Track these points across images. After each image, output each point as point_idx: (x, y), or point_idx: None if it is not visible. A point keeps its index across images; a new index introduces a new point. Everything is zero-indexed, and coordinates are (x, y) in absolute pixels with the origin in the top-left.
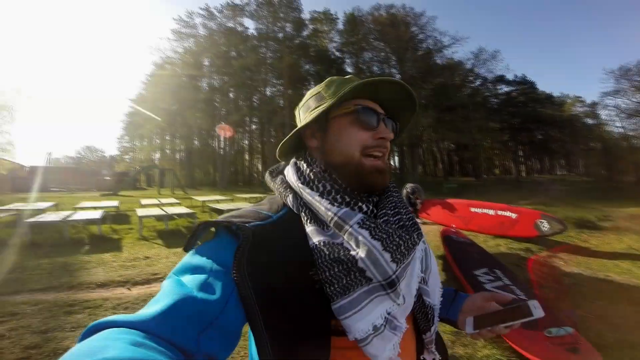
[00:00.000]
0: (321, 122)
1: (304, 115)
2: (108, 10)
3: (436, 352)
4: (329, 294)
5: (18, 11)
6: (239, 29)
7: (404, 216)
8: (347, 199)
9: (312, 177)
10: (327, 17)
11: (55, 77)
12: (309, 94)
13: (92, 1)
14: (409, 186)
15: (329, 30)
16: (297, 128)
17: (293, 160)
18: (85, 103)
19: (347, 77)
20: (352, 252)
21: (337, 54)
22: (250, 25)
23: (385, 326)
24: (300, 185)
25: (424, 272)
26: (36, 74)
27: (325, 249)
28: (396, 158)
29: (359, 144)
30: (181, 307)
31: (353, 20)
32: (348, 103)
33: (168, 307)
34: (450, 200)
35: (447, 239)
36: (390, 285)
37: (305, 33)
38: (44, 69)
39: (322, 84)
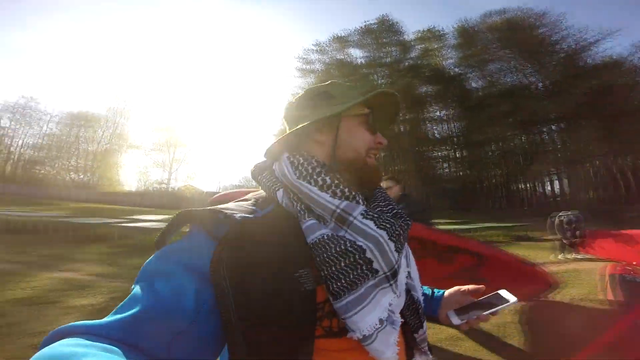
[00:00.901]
0: (334, 119)
1: (306, 111)
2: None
3: (429, 352)
4: (334, 291)
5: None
6: (348, 59)
7: (395, 207)
8: (347, 193)
9: (311, 171)
10: (434, 35)
11: (218, 115)
12: (308, 92)
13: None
14: (563, 215)
15: (439, 48)
16: (309, 122)
17: (286, 155)
18: (242, 137)
19: (347, 82)
20: (359, 243)
21: (457, 70)
22: (359, 55)
23: (386, 320)
24: (296, 179)
25: (408, 267)
26: (206, 113)
27: (330, 242)
28: (555, 182)
29: (366, 144)
30: (151, 314)
31: (465, 32)
32: (357, 106)
33: (137, 313)
34: (629, 232)
35: (617, 279)
36: (393, 275)
37: (413, 54)
38: (213, 110)
39: (325, 85)
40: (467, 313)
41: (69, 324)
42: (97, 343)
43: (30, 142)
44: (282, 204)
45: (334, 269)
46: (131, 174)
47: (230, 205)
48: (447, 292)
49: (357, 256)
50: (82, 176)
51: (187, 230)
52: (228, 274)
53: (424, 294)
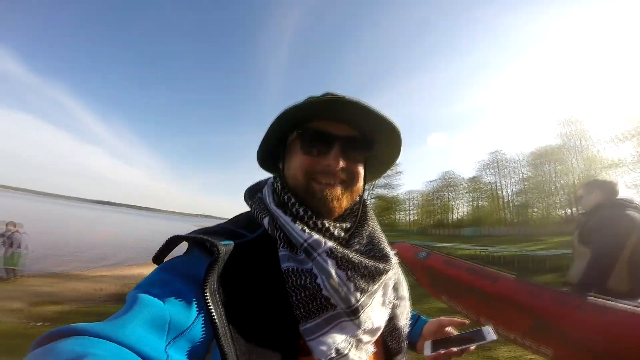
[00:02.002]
0: (281, 146)
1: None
2: None
3: None
4: (297, 316)
5: None
6: None
7: (376, 246)
8: (319, 225)
9: (286, 200)
10: None
11: None
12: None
13: None
14: None
15: None
16: (257, 152)
17: (271, 180)
18: None
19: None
20: (318, 280)
21: None
22: None
23: (350, 349)
24: (274, 207)
25: (395, 298)
26: None
27: (293, 275)
28: None
29: (302, 169)
30: (148, 318)
31: None
32: (304, 127)
33: (135, 317)
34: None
35: None
36: (353, 312)
37: None
38: None
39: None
40: (442, 345)
41: (66, 325)
42: (103, 345)
43: (514, 190)
44: (268, 230)
45: (295, 298)
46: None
47: (219, 228)
48: (429, 322)
49: (314, 291)
50: (568, 210)
51: (187, 247)
52: (219, 289)
53: (411, 319)
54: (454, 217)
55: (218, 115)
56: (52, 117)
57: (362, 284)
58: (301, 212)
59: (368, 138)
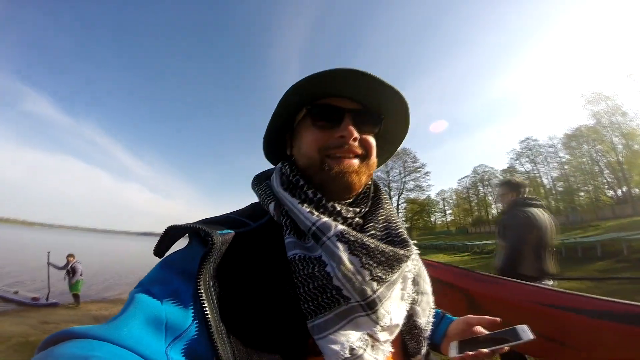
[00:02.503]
0: (288, 129)
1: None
2: None
3: None
4: (304, 311)
5: None
6: None
7: (393, 230)
8: (330, 208)
9: (295, 183)
10: None
11: None
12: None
13: None
14: None
15: None
16: (263, 139)
17: (279, 165)
18: None
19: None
20: (328, 268)
21: None
22: None
23: (365, 349)
24: (282, 191)
25: (415, 293)
26: None
27: (300, 264)
28: None
29: (316, 146)
30: (146, 319)
31: None
32: (312, 103)
33: (133, 318)
34: None
35: None
36: (369, 306)
37: None
38: None
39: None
40: (471, 346)
41: (69, 328)
42: (106, 347)
43: (554, 175)
44: (274, 217)
45: (302, 290)
46: None
47: (223, 217)
48: (455, 321)
49: (324, 281)
50: (619, 191)
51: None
52: (214, 282)
53: (434, 318)
54: (494, 212)
55: (246, 138)
56: (90, 156)
57: (378, 272)
58: (310, 195)
59: (376, 112)
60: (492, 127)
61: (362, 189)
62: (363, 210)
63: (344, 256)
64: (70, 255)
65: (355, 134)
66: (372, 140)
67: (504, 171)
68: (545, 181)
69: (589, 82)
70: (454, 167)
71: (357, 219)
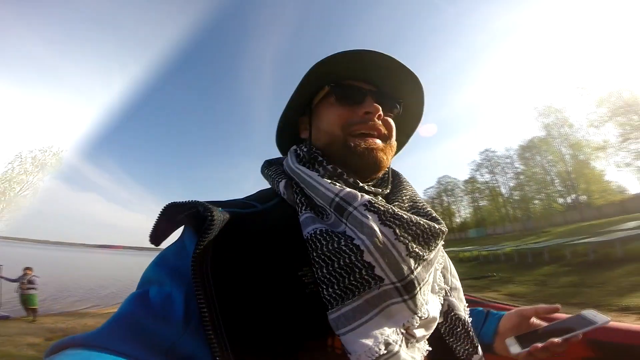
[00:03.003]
0: (306, 111)
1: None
2: None
3: None
4: (325, 298)
5: None
6: None
7: (421, 210)
8: (351, 182)
9: (314, 158)
10: None
11: None
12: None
13: None
14: None
15: None
16: (279, 121)
17: (293, 147)
18: None
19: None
20: (357, 241)
21: None
22: None
23: (401, 346)
24: (299, 166)
25: (447, 285)
26: None
27: (322, 238)
28: None
29: (340, 122)
30: (142, 323)
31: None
32: (321, 87)
33: (130, 321)
34: None
35: None
36: (407, 288)
37: None
38: None
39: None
40: (534, 340)
41: (70, 336)
42: (98, 355)
43: (511, 185)
44: (284, 196)
45: (325, 270)
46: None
47: (226, 200)
48: (505, 316)
49: (352, 257)
50: (568, 199)
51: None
52: (212, 271)
53: (475, 317)
54: (457, 220)
55: (214, 151)
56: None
57: (415, 246)
58: (330, 169)
59: (395, 95)
60: (454, 139)
61: (382, 173)
62: (385, 192)
63: (376, 226)
64: (27, 268)
65: (380, 112)
66: (392, 122)
67: (466, 182)
68: (503, 190)
69: (542, 95)
70: (421, 177)
71: (380, 198)
